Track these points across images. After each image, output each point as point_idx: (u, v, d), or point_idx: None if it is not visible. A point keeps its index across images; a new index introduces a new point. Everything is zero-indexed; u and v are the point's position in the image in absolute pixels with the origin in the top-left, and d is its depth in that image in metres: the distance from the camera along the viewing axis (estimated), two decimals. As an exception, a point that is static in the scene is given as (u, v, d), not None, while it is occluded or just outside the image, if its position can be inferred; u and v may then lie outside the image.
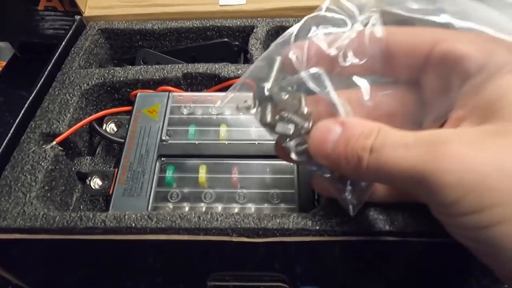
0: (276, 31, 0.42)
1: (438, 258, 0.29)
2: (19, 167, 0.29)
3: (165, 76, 0.36)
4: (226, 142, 0.32)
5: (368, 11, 0.22)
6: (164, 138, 0.32)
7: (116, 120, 0.36)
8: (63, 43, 0.39)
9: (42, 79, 0.36)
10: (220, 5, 0.43)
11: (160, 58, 0.41)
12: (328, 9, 0.22)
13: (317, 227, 0.25)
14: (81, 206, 0.33)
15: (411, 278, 0.32)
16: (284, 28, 0.41)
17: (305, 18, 0.22)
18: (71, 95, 0.34)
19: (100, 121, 0.36)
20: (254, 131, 0.32)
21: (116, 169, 0.30)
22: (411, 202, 0.25)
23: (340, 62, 0.21)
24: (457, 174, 0.16)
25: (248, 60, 0.40)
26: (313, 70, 0.21)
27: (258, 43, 0.40)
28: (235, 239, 0.26)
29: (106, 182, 0.31)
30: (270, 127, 0.22)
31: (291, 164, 0.30)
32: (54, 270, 0.33)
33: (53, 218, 0.26)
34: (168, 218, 0.26)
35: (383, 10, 0.21)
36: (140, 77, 0.36)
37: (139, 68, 0.37)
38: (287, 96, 0.22)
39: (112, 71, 0.37)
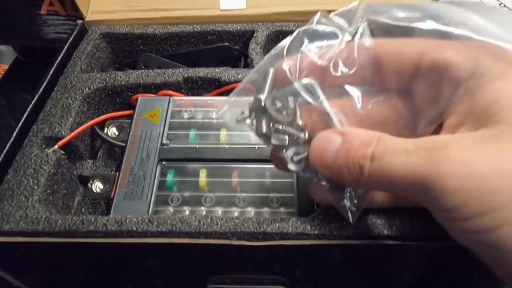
0: (276, 36, 0.42)
1: (437, 262, 0.29)
2: (22, 171, 0.30)
3: (166, 80, 0.36)
4: (226, 146, 0.32)
5: (355, 22, 0.22)
6: (164, 142, 0.32)
7: (117, 124, 0.36)
8: (65, 47, 0.40)
9: (45, 83, 0.36)
10: (220, 10, 0.43)
11: (161, 62, 0.42)
12: (319, 22, 0.23)
13: (316, 232, 0.25)
14: (83, 210, 0.33)
15: (410, 282, 0.32)
16: (284, 33, 0.42)
17: (297, 31, 0.23)
18: (73, 99, 0.35)
19: (102, 125, 0.36)
20: (254, 136, 0.32)
21: (117, 173, 0.31)
22: (409, 207, 0.25)
23: (331, 73, 0.22)
24: (459, 179, 0.16)
25: (248, 65, 0.40)
26: (306, 80, 0.22)
27: (258, 47, 0.40)
28: (235, 242, 0.26)
29: (107, 186, 0.32)
30: (266, 137, 0.22)
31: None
32: (55, 273, 0.33)
33: (55, 222, 0.26)
34: (169, 222, 0.26)
35: (370, 20, 0.22)
36: (141, 81, 0.37)
37: (140, 72, 0.37)
38: (281, 107, 0.22)
39: (113, 75, 0.37)
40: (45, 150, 0.31)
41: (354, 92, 0.22)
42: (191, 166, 0.31)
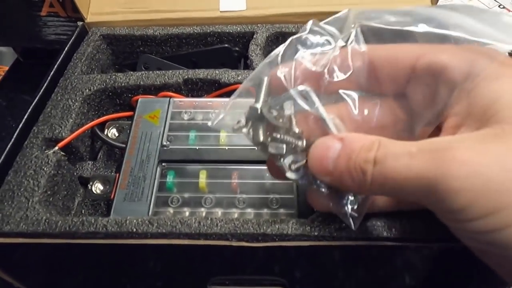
0: (276, 37, 0.42)
1: (436, 264, 0.29)
2: (22, 172, 0.30)
3: (166, 81, 0.37)
4: (226, 148, 0.32)
5: (347, 28, 0.22)
6: (164, 143, 0.32)
7: (117, 125, 0.36)
8: (66, 48, 0.40)
9: (45, 85, 0.36)
10: (220, 11, 0.43)
11: (161, 64, 0.42)
12: (311, 30, 0.23)
13: (316, 233, 0.25)
14: (83, 211, 0.33)
15: (410, 284, 0.32)
16: (284, 34, 0.42)
17: (290, 39, 0.23)
18: (73, 100, 0.35)
19: (102, 126, 0.36)
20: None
21: (118, 174, 0.31)
22: (410, 210, 0.25)
23: (326, 79, 0.22)
24: (464, 179, 0.16)
25: (248, 66, 0.40)
26: (301, 87, 0.22)
27: (258, 49, 0.40)
28: (234, 243, 0.26)
29: (107, 187, 0.32)
30: (263, 146, 0.22)
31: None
32: (55, 274, 0.33)
33: (55, 223, 0.27)
34: (169, 223, 0.26)
35: (362, 25, 0.22)
36: (141, 82, 0.37)
37: (140, 73, 0.37)
38: (277, 115, 0.22)
39: (113, 76, 0.37)
40: (45, 152, 0.31)
41: (350, 97, 0.22)
42: (191, 167, 0.31)
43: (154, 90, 0.37)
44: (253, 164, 0.31)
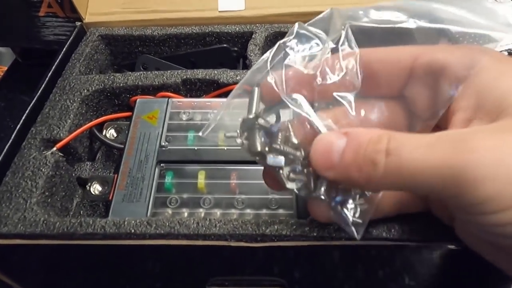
0: (275, 37, 0.42)
1: (436, 264, 0.29)
2: (20, 173, 0.30)
3: (164, 82, 0.36)
4: (225, 148, 0.32)
5: (333, 28, 0.22)
6: (163, 144, 0.32)
7: (116, 126, 0.36)
8: (64, 49, 0.40)
9: (43, 85, 0.36)
10: (219, 11, 0.43)
11: (159, 64, 0.42)
12: (297, 33, 0.22)
13: (315, 234, 0.25)
14: (81, 212, 0.33)
15: (409, 285, 0.32)
16: (282, 34, 0.42)
17: (278, 43, 0.22)
18: (71, 101, 0.35)
19: (100, 127, 0.36)
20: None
21: (116, 175, 0.31)
22: (411, 213, 0.25)
23: (320, 81, 0.22)
24: (490, 167, 0.16)
25: (246, 66, 0.40)
26: (294, 95, 0.21)
27: (257, 48, 0.40)
28: (233, 244, 0.26)
29: (106, 188, 0.31)
30: (261, 156, 0.21)
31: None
32: (54, 275, 0.33)
33: (53, 224, 0.26)
34: (167, 224, 0.26)
35: (352, 25, 0.21)
36: (140, 83, 0.37)
37: (138, 74, 0.37)
38: (272, 124, 0.21)
39: (112, 77, 0.37)
40: (43, 152, 0.31)
41: (346, 99, 0.22)
42: (189, 168, 0.31)
43: (153, 90, 0.37)
44: (252, 164, 0.31)
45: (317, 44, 0.22)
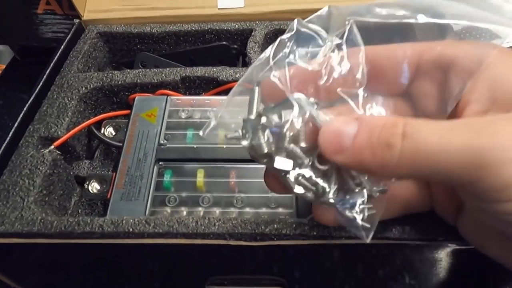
0: (275, 34, 0.42)
1: (437, 263, 0.29)
2: (17, 172, 0.29)
3: (163, 79, 0.36)
4: (224, 146, 0.32)
5: (334, 25, 0.21)
6: (162, 142, 0.32)
7: (114, 124, 0.36)
8: (62, 46, 0.40)
9: (41, 83, 0.36)
10: (218, 9, 0.43)
11: (158, 62, 0.41)
12: (297, 29, 0.22)
13: (315, 232, 0.25)
14: (79, 210, 0.33)
15: (410, 284, 0.32)
16: (282, 31, 0.41)
17: (279, 39, 0.22)
18: (69, 98, 0.34)
19: (99, 124, 0.36)
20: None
21: (114, 173, 0.30)
22: (413, 214, 0.24)
23: (325, 78, 0.21)
24: None
25: (246, 63, 0.40)
26: (296, 95, 0.21)
27: (257, 46, 0.40)
28: (233, 243, 0.26)
29: (104, 186, 0.31)
30: (269, 157, 0.20)
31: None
32: (52, 274, 0.33)
33: (51, 223, 0.26)
34: (166, 223, 0.26)
35: (356, 21, 0.21)
36: (139, 80, 0.36)
37: (137, 71, 0.37)
38: (277, 123, 0.21)
39: (110, 74, 0.37)
40: (41, 151, 0.31)
41: (351, 97, 0.21)
42: (188, 166, 0.31)
43: (152, 88, 0.36)
44: (251, 163, 0.31)
45: (318, 41, 0.22)
